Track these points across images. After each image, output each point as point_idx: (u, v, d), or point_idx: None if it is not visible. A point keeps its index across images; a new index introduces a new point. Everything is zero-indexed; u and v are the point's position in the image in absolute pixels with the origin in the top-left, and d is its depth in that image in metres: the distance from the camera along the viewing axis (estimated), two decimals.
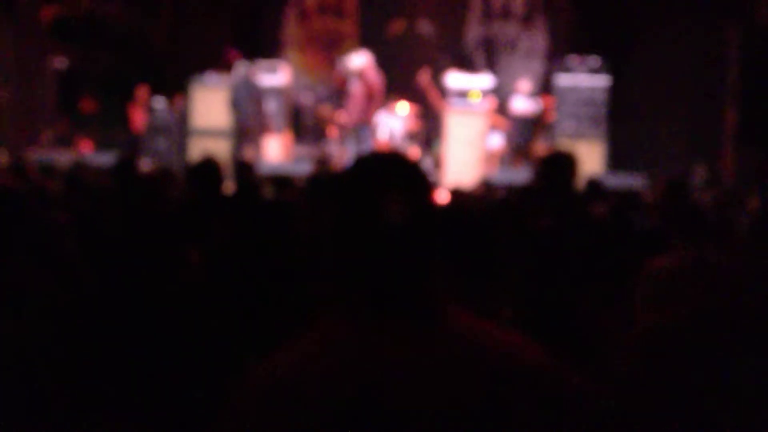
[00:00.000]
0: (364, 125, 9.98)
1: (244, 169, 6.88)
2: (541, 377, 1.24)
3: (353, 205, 1.27)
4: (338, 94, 11.80)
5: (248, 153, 10.90)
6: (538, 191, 4.19)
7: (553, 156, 3.93)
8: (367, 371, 1.19)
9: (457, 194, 6.29)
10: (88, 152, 11.75)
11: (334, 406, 1.17)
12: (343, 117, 10.18)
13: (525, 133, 10.54)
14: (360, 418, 1.16)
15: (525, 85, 10.87)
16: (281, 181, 6.23)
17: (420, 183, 1.29)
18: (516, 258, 2.22)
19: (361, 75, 9.91)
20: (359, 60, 9.93)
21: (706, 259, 3.15)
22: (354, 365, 1.20)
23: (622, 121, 12.50)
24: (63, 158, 9.41)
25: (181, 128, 11.77)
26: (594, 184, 5.52)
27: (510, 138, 10.67)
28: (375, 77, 9.93)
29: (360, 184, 1.28)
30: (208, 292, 2.74)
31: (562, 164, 3.73)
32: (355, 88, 9.96)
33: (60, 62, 11.15)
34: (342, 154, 10.54)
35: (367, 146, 10.05)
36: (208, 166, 4.52)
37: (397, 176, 1.27)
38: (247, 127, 10.51)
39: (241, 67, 11.56)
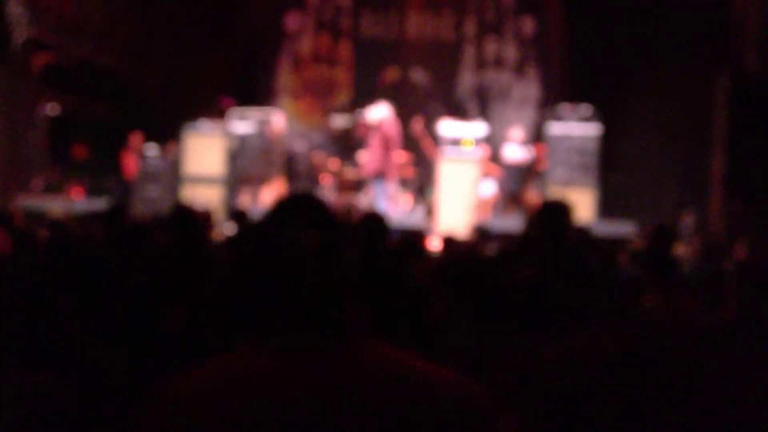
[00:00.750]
0: (381, 174, 10.20)
1: (240, 217, 6.95)
2: (457, 406, 1.24)
3: (269, 237, 1.38)
4: (359, 145, 12.16)
5: (244, 200, 10.99)
6: (533, 239, 4.23)
7: (548, 204, 3.96)
8: (280, 397, 1.23)
9: (449, 242, 6.35)
10: (79, 199, 11.82)
11: (240, 425, 1.19)
12: (364, 167, 10.41)
13: (517, 181, 10.63)
14: None
15: (517, 133, 11.00)
16: None
17: (327, 219, 1.40)
18: (500, 307, 2.26)
19: (380, 126, 10.21)
20: (380, 112, 10.23)
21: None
22: (266, 390, 1.24)
23: (613, 169, 12.65)
24: (54, 205, 9.46)
25: (173, 175, 11.86)
26: (583, 233, 5.59)
27: (502, 185, 10.76)
28: (394, 129, 10.21)
29: (275, 220, 1.40)
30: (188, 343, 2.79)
31: (557, 213, 3.78)
32: (374, 139, 10.22)
33: (52, 109, 11.25)
34: (365, 202, 10.74)
35: (384, 194, 10.30)
36: (184, 214, 4.59)
37: (308, 212, 1.39)
38: (247, 175, 10.64)
39: (254, 115, 11.78)
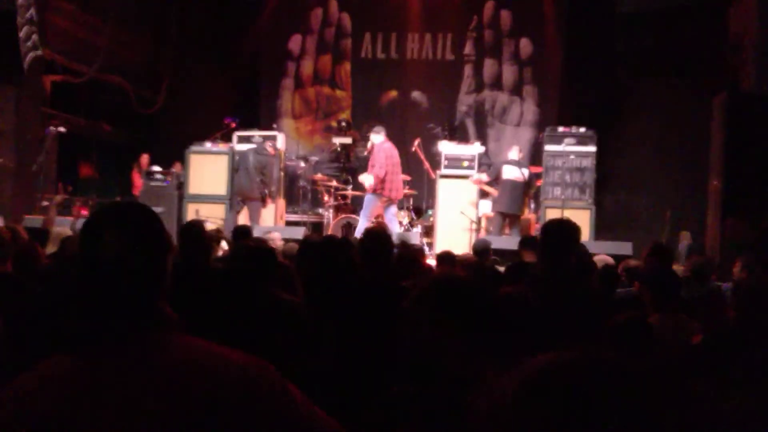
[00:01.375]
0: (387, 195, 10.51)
1: (244, 234, 6.93)
2: (241, 379, 1.34)
3: (80, 245, 1.43)
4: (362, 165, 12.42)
5: (240, 219, 10.98)
6: (538, 259, 4.19)
7: (554, 224, 3.89)
8: (75, 392, 1.31)
9: (446, 260, 6.31)
10: (85, 217, 11.81)
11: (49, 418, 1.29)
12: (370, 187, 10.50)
13: (514, 201, 10.61)
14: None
15: (514, 153, 11.00)
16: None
17: (137, 225, 1.44)
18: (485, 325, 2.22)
19: (385, 149, 10.40)
20: (377, 137, 10.38)
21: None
22: (65, 388, 1.32)
23: (609, 190, 12.65)
24: (62, 223, 9.45)
25: (178, 194, 11.89)
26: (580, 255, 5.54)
27: (499, 205, 10.74)
28: (389, 151, 10.31)
29: (85, 229, 1.44)
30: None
31: (565, 232, 3.73)
32: (380, 160, 10.36)
33: (59, 129, 11.27)
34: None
35: (393, 215, 10.41)
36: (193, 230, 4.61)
37: (116, 221, 1.43)
38: (245, 193, 10.65)
39: (255, 136, 11.81)
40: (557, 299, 3.42)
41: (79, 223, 10.02)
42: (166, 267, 1.46)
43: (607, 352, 0.98)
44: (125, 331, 1.37)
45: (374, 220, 11.38)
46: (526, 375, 0.95)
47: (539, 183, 11.36)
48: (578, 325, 3.30)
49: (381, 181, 10.32)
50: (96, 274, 1.39)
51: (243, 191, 10.80)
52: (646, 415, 0.91)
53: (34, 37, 10.54)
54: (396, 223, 10.72)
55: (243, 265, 3.68)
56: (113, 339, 1.36)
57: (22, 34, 10.17)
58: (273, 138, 11.79)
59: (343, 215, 11.51)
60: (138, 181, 12.94)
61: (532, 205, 11.78)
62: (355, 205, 12.44)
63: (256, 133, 11.97)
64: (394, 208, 10.75)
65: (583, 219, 10.29)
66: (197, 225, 5.10)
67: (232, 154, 11.75)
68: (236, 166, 11.01)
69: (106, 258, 1.38)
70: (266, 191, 10.87)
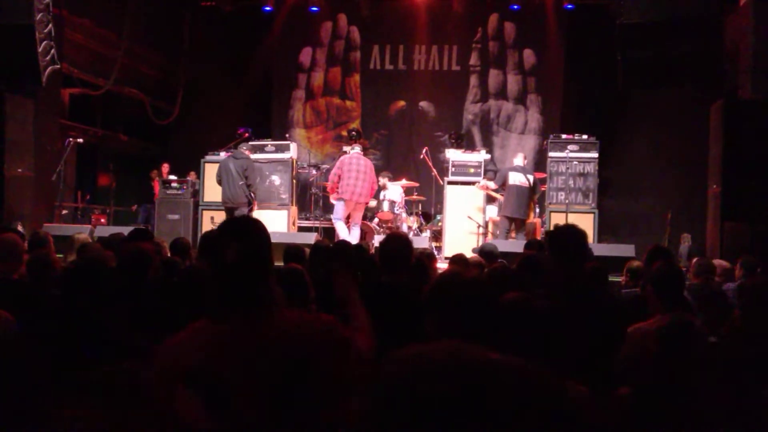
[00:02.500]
0: None
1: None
2: (325, 341, 2.02)
3: (211, 251, 2.08)
4: None
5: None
6: (541, 263, 4.15)
7: (563, 229, 3.80)
8: (213, 347, 1.98)
9: (460, 261, 6.30)
10: (103, 225, 11.88)
11: (196, 364, 1.95)
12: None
13: (520, 205, 10.62)
14: (207, 374, 1.93)
15: (519, 159, 11.01)
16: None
17: (249, 237, 2.08)
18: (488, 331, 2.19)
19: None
20: (350, 150, 10.77)
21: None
22: (206, 344, 1.99)
23: (611, 194, 12.64)
24: (80, 231, 9.48)
25: (193, 202, 11.94)
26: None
27: (505, 210, 10.75)
28: (347, 160, 10.64)
29: (214, 239, 2.12)
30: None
31: (573, 237, 3.68)
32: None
33: (77, 140, 11.34)
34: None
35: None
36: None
37: (234, 232, 2.09)
38: (233, 201, 10.55)
39: (267, 146, 11.83)
40: (575, 305, 3.38)
41: (98, 231, 10.07)
42: (272, 263, 2.13)
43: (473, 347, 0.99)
44: (246, 306, 2.02)
45: (386, 226, 11.41)
46: (384, 374, 0.97)
47: (543, 188, 11.36)
48: (595, 331, 3.27)
49: (337, 186, 10.59)
50: (227, 269, 2.04)
51: (230, 199, 10.65)
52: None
53: (53, 51, 10.59)
54: (353, 229, 10.75)
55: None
56: (238, 312, 2.02)
57: (40, 48, 10.22)
58: (280, 145, 11.84)
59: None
60: (156, 189, 13.03)
61: (537, 210, 11.78)
62: (366, 211, 12.45)
63: (269, 143, 12.00)
64: (360, 214, 10.81)
65: (586, 223, 10.28)
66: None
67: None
68: (218, 177, 10.73)
69: (233, 259, 2.03)
70: (252, 195, 10.74)
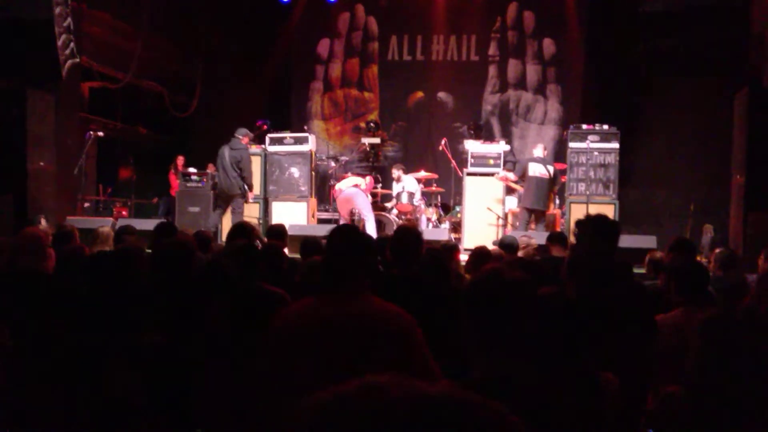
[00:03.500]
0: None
1: (280, 234, 6.99)
2: (399, 329, 2.57)
3: (328, 245, 2.79)
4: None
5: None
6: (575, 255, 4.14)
7: (597, 219, 3.78)
8: (320, 317, 2.58)
9: (479, 255, 6.30)
10: (125, 218, 12.00)
11: (309, 331, 2.56)
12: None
13: (540, 197, 10.60)
14: (317, 338, 2.52)
15: (539, 150, 10.98)
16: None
17: (356, 237, 2.81)
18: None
19: None
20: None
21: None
22: (316, 314, 2.60)
23: (632, 185, 12.57)
24: (103, 224, 9.58)
25: (213, 194, 12.01)
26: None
27: (525, 201, 10.74)
28: None
29: (331, 237, 2.81)
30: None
31: (607, 227, 3.69)
32: None
33: (98, 133, 11.44)
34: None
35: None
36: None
37: (344, 233, 2.83)
38: (227, 192, 10.62)
39: (287, 138, 11.89)
40: (602, 292, 3.39)
41: (119, 223, 10.18)
42: (369, 260, 2.81)
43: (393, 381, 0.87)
44: (344, 288, 2.65)
45: (405, 218, 11.44)
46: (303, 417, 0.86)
47: (564, 179, 11.33)
48: (623, 319, 3.28)
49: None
50: (335, 259, 2.72)
51: (224, 190, 10.73)
52: None
53: (72, 45, 10.70)
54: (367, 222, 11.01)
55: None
56: (339, 292, 2.64)
57: (60, 42, 10.33)
58: (299, 138, 11.90)
59: (375, 213, 11.56)
60: (175, 182, 13.11)
61: (557, 201, 11.75)
62: (385, 203, 12.49)
63: (288, 135, 12.06)
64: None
65: (607, 213, 10.23)
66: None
67: (265, 155, 11.87)
68: (217, 167, 10.90)
69: (341, 253, 2.71)
70: (246, 185, 10.80)
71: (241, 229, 5.81)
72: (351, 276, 2.65)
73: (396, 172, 12.06)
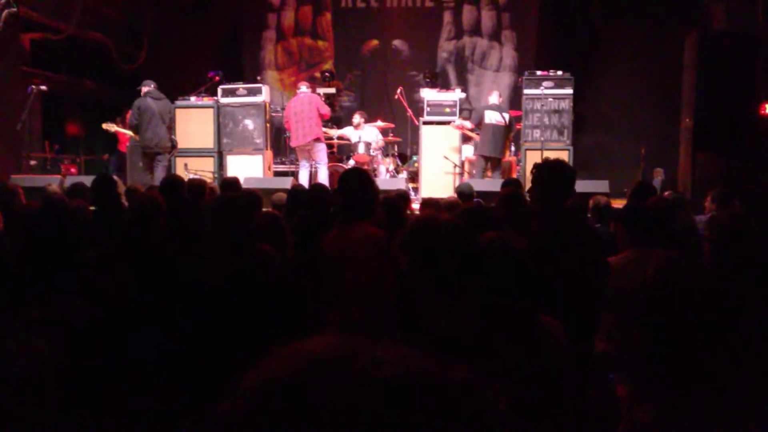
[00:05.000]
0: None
1: (233, 185, 6.92)
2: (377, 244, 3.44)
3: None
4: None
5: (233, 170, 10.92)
6: (527, 201, 4.16)
7: (552, 164, 3.79)
8: (340, 240, 3.45)
9: (430, 204, 6.36)
10: (73, 175, 11.74)
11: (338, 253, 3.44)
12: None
13: (496, 144, 10.64)
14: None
15: (495, 98, 10.99)
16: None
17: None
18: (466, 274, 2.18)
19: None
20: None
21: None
22: (337, 238, 3.50)
23: (586, 130, 12.69)
24: (50, 181, 9.39)
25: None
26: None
27: (481, 149, 10.78)
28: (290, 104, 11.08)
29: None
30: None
31: (563, 173, 3.72)
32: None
33: (41, 87, 11.08)
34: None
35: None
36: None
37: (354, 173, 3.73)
38: (158, 145, 10.30)
39: (239, 89, 11.66)
40: (559, 236, 3.43)
41: (68, 181, 9.96)
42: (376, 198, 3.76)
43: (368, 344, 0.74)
44: (357, 219, 3.47)
45: (358, 165, 11.39)
46: (262, 378, 0.72)
47: (519, 126, 11.38)
48: (578, 263, 3.32)
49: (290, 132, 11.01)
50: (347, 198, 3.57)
51: (155, 143, 10.18)
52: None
53: None
54: (305, 170, 10.96)
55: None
56: (352, 222, 3.47)
57: None
58: (252, 89, 11.71)
59: (331, 163, 11.50)
60: (124, 137, 12.82)
61: (513, 148, 11.82)
62: (342, 154, 12.42)
63: (241, 86, 11.85)
64: (320, 153, 10.85)
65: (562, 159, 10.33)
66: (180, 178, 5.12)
67: (218, 107, 11.67)
68: (136, 120, 10.26)
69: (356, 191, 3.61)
70: (175, 140, 10.48)
71: (171, 182, 5.65)
72: (369, 207, 3.58)
73: (357, 118, 11.93)
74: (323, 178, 10.54)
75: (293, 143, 10.93)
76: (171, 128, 10.39)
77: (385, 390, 0.68)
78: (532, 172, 3.82)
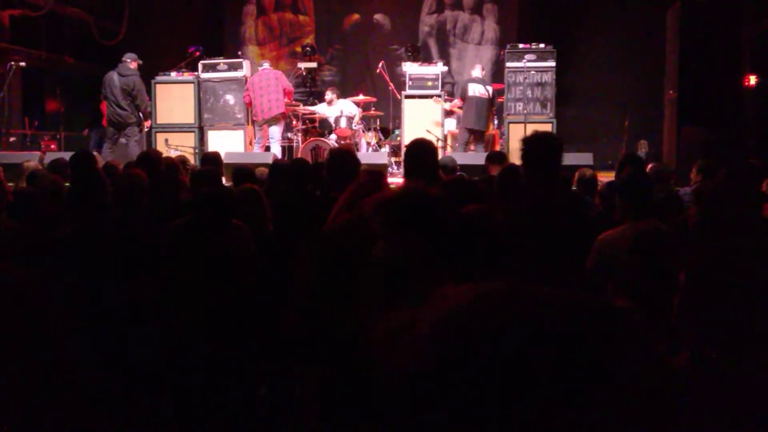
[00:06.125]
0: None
1: (214, 161, 6.75)
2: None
3: None
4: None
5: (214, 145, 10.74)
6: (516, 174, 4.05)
7: (540, 137, 3.61)
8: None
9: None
10: (53, 151, 11.49)
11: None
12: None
13: (480, 117, 10.53)
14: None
15: (477, 71, 10.86)
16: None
17: None
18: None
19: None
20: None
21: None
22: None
23: (569, 103, 12.58)
24: (30, 159, 9.15)
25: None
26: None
27: (463, 122, 10.67)
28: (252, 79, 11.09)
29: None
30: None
31: (551, 146, 3.57)
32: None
33: (20, 63, 10.79)
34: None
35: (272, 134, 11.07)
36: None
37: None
38: (121, 120, 10.10)
39: (220, 64, 11.46)
40: (549, 211, 3.32)
41: (48, 157, 9.73)
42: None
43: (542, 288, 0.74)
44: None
45: (344, 143, 11.23)
46: (443, 312, 0.73)
47: (501, 100, 11.27)
48: (559, 236, 3.23)
49: (251, 107, 10.90)
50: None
51: (117, 121, 10.05)
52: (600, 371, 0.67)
53: None
54: (276, 144, 10.96)
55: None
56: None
57: None
58: (232, 64, 11.51)
59: (312, 138, 11.32)
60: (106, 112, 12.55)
61: (496, 121, 11.70)
62: (323, 129, 12.23)
63: (221, 61, 11.62)
64: (274, 129, 10.88)
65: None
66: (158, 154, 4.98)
67: (198, 82, 11.45)
68: (103, 92, 10.19)
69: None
70: (141, 114, 10.24)
71: (145, 157, 5.49)
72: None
73: (329, 95, 11.74)
74: (277, 152, 10.55)
75: (256, 117, 10.88)
76: (138, 105, 10.14)
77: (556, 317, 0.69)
78: (520, 146, 3.69)
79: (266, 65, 11.10)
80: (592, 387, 0.66)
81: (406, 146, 3.78)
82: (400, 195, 1.94)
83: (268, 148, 10.90)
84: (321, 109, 11.71)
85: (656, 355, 0.72)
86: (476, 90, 10.48)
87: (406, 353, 0.72)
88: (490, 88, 10.62)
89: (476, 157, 9.05)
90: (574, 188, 6.04)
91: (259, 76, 10.91)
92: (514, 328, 0.68)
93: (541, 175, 3.43)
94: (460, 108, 10.89)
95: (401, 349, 0.72)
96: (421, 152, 3.85)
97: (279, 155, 10.42)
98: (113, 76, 10.07)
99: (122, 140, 10.24)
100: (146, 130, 10.63)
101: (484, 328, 0.69)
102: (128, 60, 10.20)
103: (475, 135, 10.60)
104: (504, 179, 4.13)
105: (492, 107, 10.83)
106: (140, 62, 10.48)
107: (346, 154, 4.15)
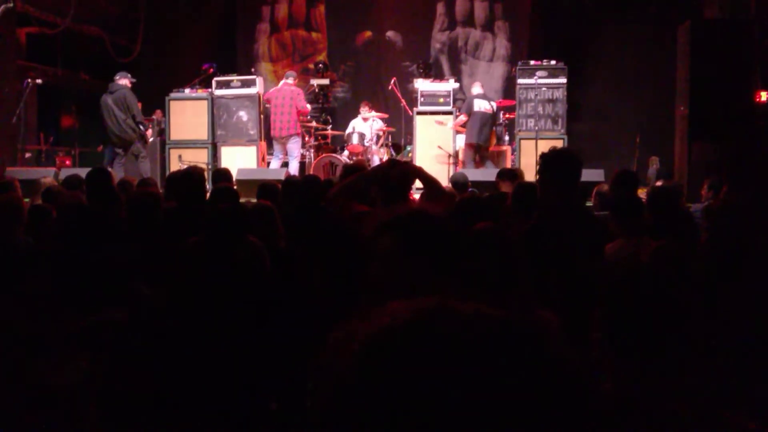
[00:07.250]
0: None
1: (225, 177, 6.81)
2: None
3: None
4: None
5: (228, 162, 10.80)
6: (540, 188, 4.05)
7: (560, 154, 3.63)
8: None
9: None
10: (68, 167, 11.58)
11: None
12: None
13: (483, 132, 10.58)
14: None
15: (477, 88, 10.95)
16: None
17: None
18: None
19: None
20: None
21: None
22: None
23: (580, 119, 12.57)
24: (45, 175, 9.23)
25: (160, 140, 11.72)
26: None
27: (469, 136, 10.70)
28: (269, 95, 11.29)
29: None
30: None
31: (571, 163, 3.57)
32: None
33: (37, 80, 10.92)
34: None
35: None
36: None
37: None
38: (123, 138, 10.06)
39: (233, 81, 11.54)
40: (569, 226, 3.32)
41: (63, 173, 9.81)
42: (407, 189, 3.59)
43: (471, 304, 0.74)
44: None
45: (355, 159, 11.27)
46: (372, 331, 0.71)
47: (512, 116, 11.31)
48: (573, 251, 3.22)
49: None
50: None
51: (119, 138, 10.02)
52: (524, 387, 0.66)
53: None
54: (294, 160, 10.99)
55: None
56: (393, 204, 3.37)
57: None
58: (246, 81, 11.59)
59: (325, 154, 11.37)
60: None
61: (507, 138, 11.72)
62: (336, 144, 12.28)
63: (235, 78, 11.71)
64: (292, 146, 10.93)
65: None
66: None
67: (212, 99, 11.55)
68: (103, 117, 10.09)
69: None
70: (141, 128, 10.11)
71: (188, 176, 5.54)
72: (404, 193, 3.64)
73: (365, 111, 11.86)
74: (293, 169, 10.58)
75: (272, 132, 11.03)
76: (134, 116, 10.04)
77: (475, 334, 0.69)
78: (539, 161, 3.68)
79: (290, 79, 11.20)
80: (502, 411, 0.65)
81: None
82: (405, 218, 1.91)
83: (286, 164, 10.93)
84: (358, 126, 11.78)
85: (573, 372, 0.70)
86: (481, 105, 10.57)
87: (335, 368, 0.71)
88: (494, 104, 10.72)
89: (488, 173, 9.06)
90: (589, 203, 6.07)
91: (277, 92, 11.04)
92: (430, 352, 0.67)
93: (559, 191, 3.43)
94: (463, 126, 10.92)
95: (334, 362, 0.72)
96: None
97: (296, 171, 10.45)
98: (106, 98, 10.02)
99: (132, 157, 10.27)
100: (150, 140, 10.64)
101: (403, 351, 0.68)
102: (117, 77, 10.21)
103: (481, 151, 10.68)
104: (518, 196, 4.15)
105: (494, 123, 10.92)
106: (133, 80, 10.38)
107: (359, 168, 4.19)
